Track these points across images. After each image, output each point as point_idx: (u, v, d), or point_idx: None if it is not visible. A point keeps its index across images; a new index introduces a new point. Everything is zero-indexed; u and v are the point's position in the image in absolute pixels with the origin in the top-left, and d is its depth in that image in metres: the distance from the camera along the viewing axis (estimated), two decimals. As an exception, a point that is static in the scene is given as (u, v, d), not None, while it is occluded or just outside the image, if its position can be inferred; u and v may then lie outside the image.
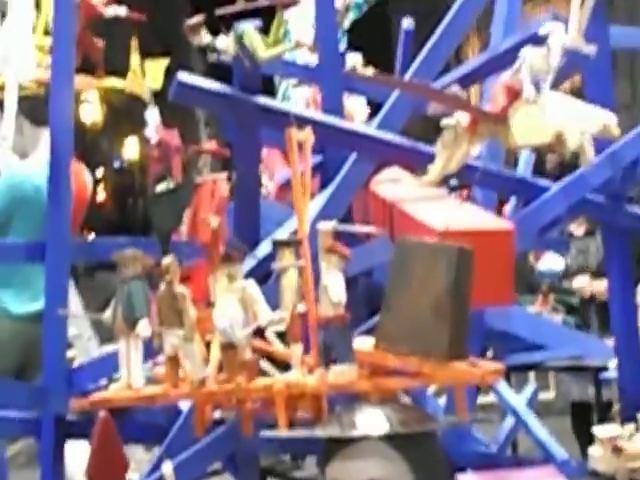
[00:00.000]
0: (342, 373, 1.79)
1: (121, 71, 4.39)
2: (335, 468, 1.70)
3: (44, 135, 3.85)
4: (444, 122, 2.67)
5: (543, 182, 3.19)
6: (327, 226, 1.88)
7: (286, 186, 2.76)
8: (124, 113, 17.96)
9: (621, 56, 16.45)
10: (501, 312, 3.57)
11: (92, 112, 14.32)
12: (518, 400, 4.05)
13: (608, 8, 3.09)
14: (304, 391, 1.85)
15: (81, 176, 4.27)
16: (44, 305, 3.07)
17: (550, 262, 5.50)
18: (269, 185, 4.41)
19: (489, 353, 4.12)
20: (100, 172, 20.04)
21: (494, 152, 3.42)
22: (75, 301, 4.85)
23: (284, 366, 2.01)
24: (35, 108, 4.34)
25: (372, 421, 1.68)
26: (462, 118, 2.62)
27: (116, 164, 21.65)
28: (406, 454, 1.68)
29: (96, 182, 18.37)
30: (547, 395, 7.62)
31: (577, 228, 6.54)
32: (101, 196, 19.93)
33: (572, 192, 3.04)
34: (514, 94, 2.49)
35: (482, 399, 6.78)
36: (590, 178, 3.00)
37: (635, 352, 3.29)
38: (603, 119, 2.50)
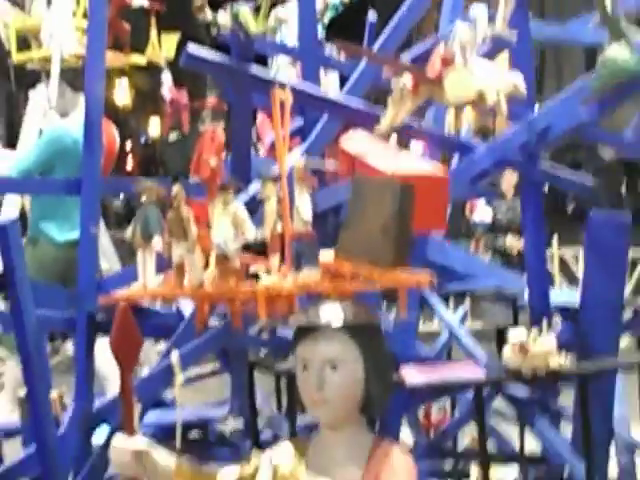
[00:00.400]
0: (309, 276, 1.85)
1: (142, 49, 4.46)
2: (303, 349, 1.73)
3: (81, 99, 3.88)
4: (393, 83, 2.64)
5: (474, 143, 3.17)
6: (300, 161, 1.97)
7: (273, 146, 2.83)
8: (149, 97, 17.89)
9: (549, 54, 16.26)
10: (441, 250, 3.59)
11: (123, 96, 14.27)
12: (452, 317, 4.11)
13: (537, 5, 3.15)
14: (280, 292, 1.87)
15: (110, 132, 4.34)
16: (80, 229, 3.07)
17: (481, 215, 5.56)
18: (261, 148, 4.53)
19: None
20: (129, 145, 20.12)
21: (439, 117, 3.42)
22: (105, 238, 5.01)
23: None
24: (74, 77, 4.41)
25: (331, 313, 1.71)
26: (407, 81, 2.59)
27: (142, 139, 21.65)
28: (358, 341, 1.71)
29: (126, 153, 18.26)
30: (477, 325, 7.64)
31: (508, 190, 6.61)
32: (129, 165, 19.93)
33: (496, 151, 3.02)
34: (447, 62, 2.46)
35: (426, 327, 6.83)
36: (511, 141, 2.99)
37: (542, 280, 3.37)
38: (514, 81, 2.50)
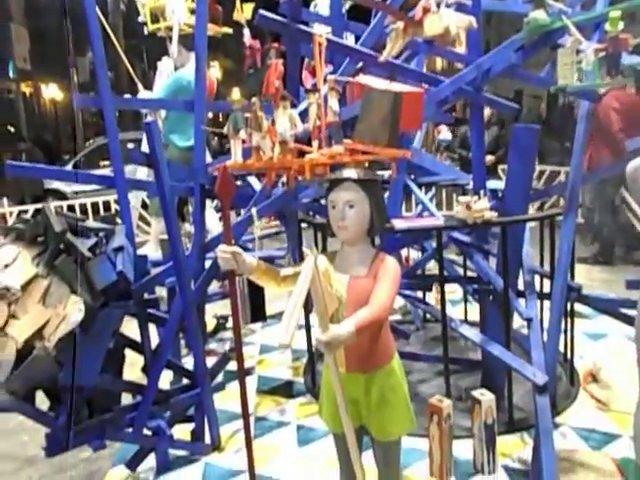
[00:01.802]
0: (337, 151, 1.86)
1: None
2: (332, 195, 1.73)
3: (192, 55, 3.75)
4: (391, 25, 2.56)
5: (441, 78, 3.01)
6: (331, 77, 1.94)
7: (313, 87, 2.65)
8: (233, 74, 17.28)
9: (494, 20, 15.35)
10: (419, 155, 3.60)
11: (215, 72, 13.88)
12: (425, 197, 4.10)
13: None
14: (318, 162, 1.90)
15: (210, 77, 4.26)
16: (193, 140, 3.05)
17: (444, 135, 5.43)
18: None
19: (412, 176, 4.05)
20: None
21: (419, 62, 3.40)
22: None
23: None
24: (187, 39, 4.32)
25: (350, 172, 1.72)
26: (400, 24, 2.52)
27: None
28: (366, 190, 1.72)
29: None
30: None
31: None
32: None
33: (454, 83, 2.92)
34: (425, 10, 2.38)
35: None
36: (464, 77, 2.91)
37: (481, 174, 3.30)
38: (470, 20, 2.40)
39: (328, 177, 1.79)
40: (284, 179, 2.96)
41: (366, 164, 1.86)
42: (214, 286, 4.77)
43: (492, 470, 2.58)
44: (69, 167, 10.43)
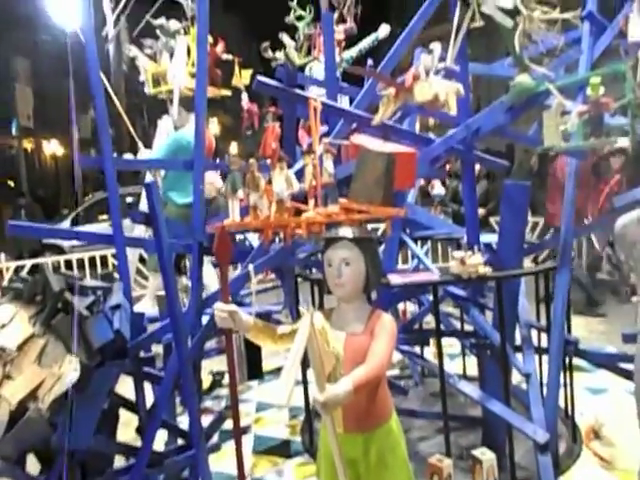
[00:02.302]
0: (332, 211, 1.93)
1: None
2: (328, 253, 1.77)
3: (191, 117, 3.85)
4: (382, 92, 2.59)
5: (431, 137, 3.11)
6: (326, 140, 2.02)
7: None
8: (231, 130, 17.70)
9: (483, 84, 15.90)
10: (413, 210, 3.58)
11: (214, 127, 14.39)
12: (420, 250, 4.15)
13: (471, 47, 3.11)
14: (315, 220, 1.97)
15: (209, 137, 4.35)
16: (193, 195, 3.05)
17: (438, 189, 5.51)
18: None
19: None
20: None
21: (411, 122, 3.52)
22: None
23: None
24: (187, 101, 4.42)
25: (345, 231, 1.76)
26: (392, 90, 2.54)
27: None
28: (361, 248, 1.76)
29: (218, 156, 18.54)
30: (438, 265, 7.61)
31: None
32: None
33: (446, 143, 2.99)
34: (416, 77, 2.41)
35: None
36: (455, 136, 2.99)
37: (475, 228, 3.32)
38: (458, 87, 2.43)
39: (324, 236, 1.83)
40: (281, 235, 3.02)
41: (361, 223, 1.91)
42: (210, 342, 4.72)
43: (496, 533, 2.51)
44: (68, 221, 10.51)
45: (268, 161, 2.19)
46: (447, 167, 6.16)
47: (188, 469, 2.81)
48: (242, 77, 4.01)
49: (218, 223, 2.09)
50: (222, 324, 1.76)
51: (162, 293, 3.10)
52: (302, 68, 4.22)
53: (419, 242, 4.54)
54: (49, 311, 2.13)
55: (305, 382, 3.44)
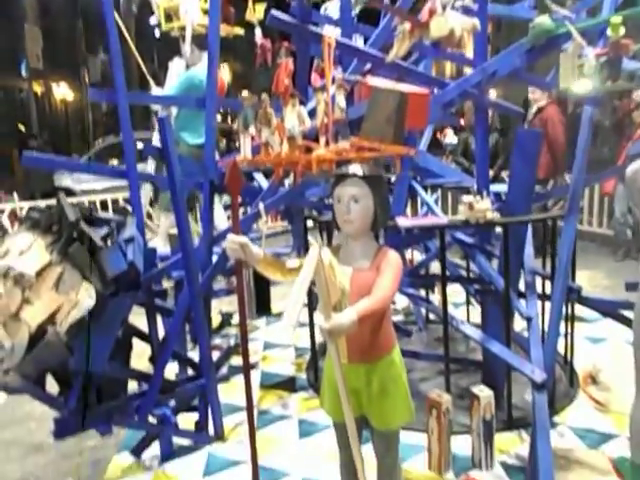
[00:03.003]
0: (343, 147, 1.91)
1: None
2: (338, 190, 1.77)
3: (204, 55, 3.83)
4: (399, 27, 2.55)
5: (447, 81, 3.07)
6: (339, 76, 2.01)
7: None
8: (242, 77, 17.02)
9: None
10: (425, 158, 3.59)
11: (226, 74, 14.05)
12: (430, 198, 4.10)
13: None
14: (325, 157, 1.96)
15: (221, 77, 4.28)
16: (204, 136, 3.08)
17: (450, 138, 5.45)
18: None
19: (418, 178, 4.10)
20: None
21: (427, 66, 3.47)
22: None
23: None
24: (200, 40, 4.29)
25: (355, 169, 1.74)
26: (407, 26, 2.50)
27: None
28: (370, 185, 1.75)
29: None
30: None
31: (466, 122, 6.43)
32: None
33: (460, 86, 2.95)
34: (432, 12, 2.37)
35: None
36: (470, 80, 2.93)
37: (485, 177, 3.32)
38: (474, 23, 2.40)
39: (334, 172, 1.83)
40: (291, 178, 3.02)
41: (371, 160, 1.92)
42: (220, 282, 4.83)
43: (489, 465, 2.62)
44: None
45: (281, 99, 2.19)
46: (461, 121, 6.06)
47: (198, 398, 2.93)
48: (256, 12, 3.90)
49: (230, 160, 2.09)
50: (233, 255, 1.79)
51: (174, 231, 3.14)
52: (317, 6, 4.09)
53: (429, 190, 4.48)
54: (65, 240, 2.18)
55: (311, 323, 3.53)
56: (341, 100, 1.95)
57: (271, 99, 2.08)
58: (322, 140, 2.02)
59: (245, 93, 3.10)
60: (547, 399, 2.54)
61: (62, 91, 21.83)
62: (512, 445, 2.85)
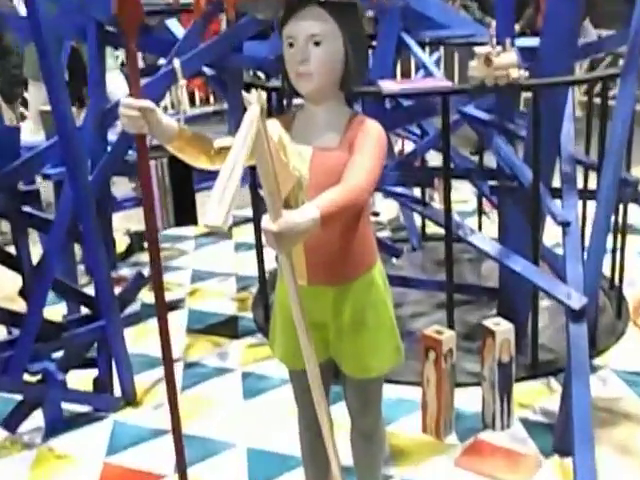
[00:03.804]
0: None
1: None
2: (289, 28, 1.68)
3: None
4: None
5: None
6: None
7: None
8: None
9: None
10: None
11: None
12: (428, 58, 4.01)
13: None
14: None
15: None
16: None
17: None
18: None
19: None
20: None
21: None
22: None
23: None
24: None
25: None
26: None
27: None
28: (338, 19, 1.66)
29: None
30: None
31: None
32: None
33: None
34: None
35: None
36: None
37: (509, 26, 3.28)
38: None
39: None
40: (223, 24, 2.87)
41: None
42: (126, 188, 4.71)
43: (506, 424, 2.71)
44: None
45: None
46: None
47: (96, 348, 2.90)
48: None
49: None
50: (130, 127, 1.71)
51: (47, 108, 2.99)
52: None
53: (427, 49, 4.41)
54: None
55: (259, 240, 3.49)
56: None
57: None
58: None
59: None
60: (587, 334, 2.58)
61: None
62: (537, 397, 2.93)
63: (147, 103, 1.68)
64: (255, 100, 1.48)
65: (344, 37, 1.69)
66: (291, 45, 1.69)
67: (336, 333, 1.86)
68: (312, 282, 1.81)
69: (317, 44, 1.67)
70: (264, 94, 1.53)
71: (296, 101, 1.87)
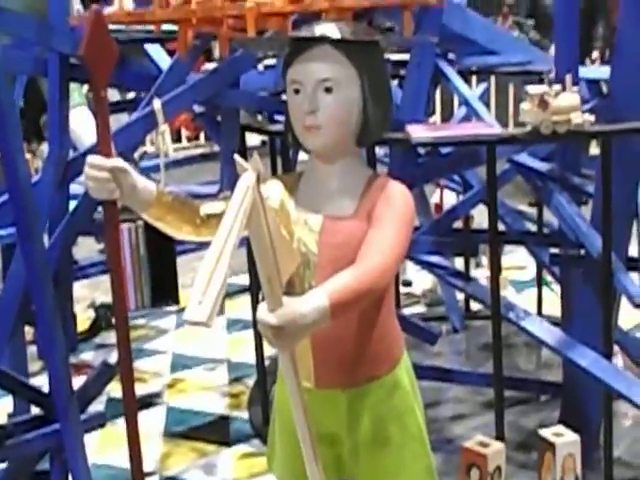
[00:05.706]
0: None
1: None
2: (294, 71, 1.73)
3: None
4: None
5: None
6: None
7: None
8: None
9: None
10: (461, 16, 3.56)
11: None
12: (470, 92, 4.06)
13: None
14: (272, 9, 1.88)
15: None
16: None
17: None
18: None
19: (450, 55, 4.03)
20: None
21: None
22: None
23: None
24: None
25: (327, 29, 1.69)
26: None
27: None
28: (354, 60, 1.71)
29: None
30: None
31: None
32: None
33: None
34: None
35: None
36: None
37: (571, 55, 3.32)
38: None
39: (290, 35, 1.87)
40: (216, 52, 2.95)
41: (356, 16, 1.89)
42: (91, 250, 4.77)
43: None
44: None
45: None
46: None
47: (49, 457, 2.92)
48: None
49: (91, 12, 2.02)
50: (98, 192, 1.75)
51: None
52: None
53: (473, 79, 4.49)
54: None
55: (255, 322, 3.51)
56: None
57: None
58: None
59: None
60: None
61: None
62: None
63: (119, 162, 1.73)
64: (251, 167, 1.52)
65: (362, 82, 1.74)
66: (297, 91, 1.75)
67: (351, 450, 1.88)
68: (321, 384, 1.84)
69: (328, 91, 1.72)
70: (260, 162, 1.55)
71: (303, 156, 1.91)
